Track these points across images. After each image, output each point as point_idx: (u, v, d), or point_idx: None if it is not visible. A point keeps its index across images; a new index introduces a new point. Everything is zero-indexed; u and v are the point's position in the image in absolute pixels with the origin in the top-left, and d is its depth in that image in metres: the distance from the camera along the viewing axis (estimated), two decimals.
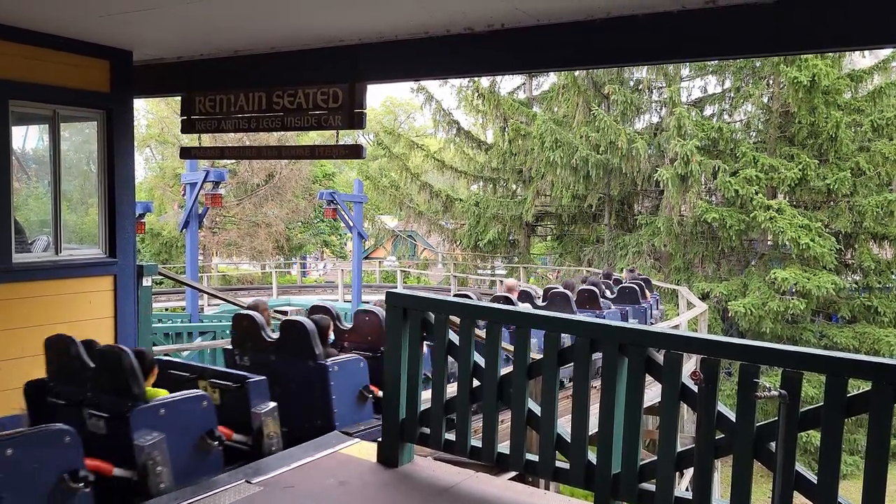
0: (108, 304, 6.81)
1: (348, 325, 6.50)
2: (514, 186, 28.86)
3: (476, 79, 26.39)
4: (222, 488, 3.86)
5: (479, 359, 3.86)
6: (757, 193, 20.74)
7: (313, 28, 5.82)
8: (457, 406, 3.92)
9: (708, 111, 25.07)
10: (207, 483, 3.91)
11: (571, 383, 3.64)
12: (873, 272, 21.31)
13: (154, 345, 10.17)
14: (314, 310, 6.47)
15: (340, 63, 6.15)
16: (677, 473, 3.37)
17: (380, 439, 4.25)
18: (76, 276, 6.60)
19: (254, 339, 5.77)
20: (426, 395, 4.15)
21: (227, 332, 17.15)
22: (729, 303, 21.40)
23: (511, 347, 3.94)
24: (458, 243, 30.26)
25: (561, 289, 10.60)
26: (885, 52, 21.88)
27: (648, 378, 3.34)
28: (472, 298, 7.80)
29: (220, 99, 6.75)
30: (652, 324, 12.92)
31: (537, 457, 3.68)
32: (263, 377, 4.66)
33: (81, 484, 3.42)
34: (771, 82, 22.77)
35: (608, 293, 12.27)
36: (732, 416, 3.08)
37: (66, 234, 6.64)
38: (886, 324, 20.90)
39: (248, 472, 4.08)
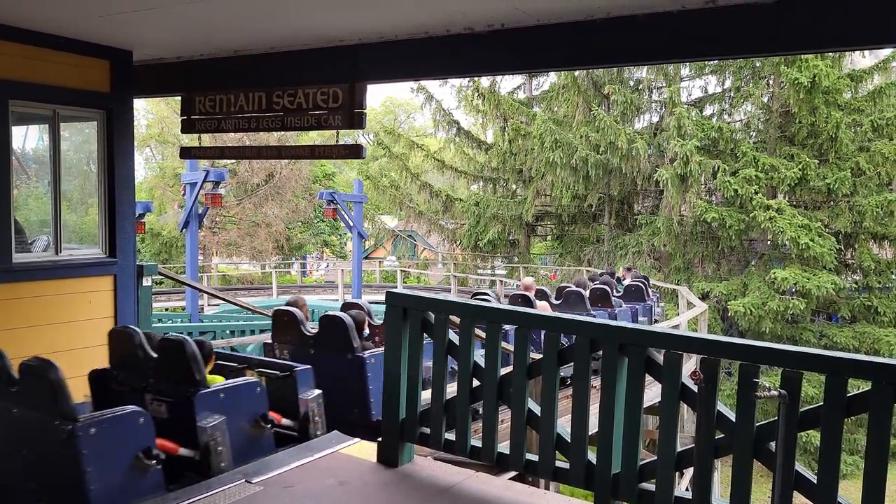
0: (108, 304, 6.81)
1: (380, 321, 6.64)
2: (514, 186, 28.87)
3: (476, 79, 26.40)
4: (222, 488, 3.86)
5: (479, 358, 3.87)
6: (757, 193, 20.75)
7: (313, 28, 5.82)
8: (456, 406, 3.92)
9: (708, 111, 25.09)
10: (207, 483, 3.92)
11: (570, 381, 3.65)
12: (873, 272, 21.31)
13: None
14: (348, 306, 6.69)
15: (340, 63, 6.15)
16: (677, 473, 3.38)
17: (380, 439, 4.25)
18: (76, 276, 6.59)
19: (293, 334, 6.09)
20: (426, 395, 4.16)
21: (228, 332, 17.26)
22: (729, 303, 21.40)
23: (511, 347, 3.95)
24: (458, 243, 30.27)
25: (574, 287, 10.87)
26: (885, 52, 21.88)
27: (648, 378, 3.34)
28: (490, 297, 7.94)
29: (220, 99, 6.75)
30: (657, 321, 13.23)
31: (537, 457, 3.68)
32: (309, 366, 4.95)
33: (154, 461, 3.76)
34: (771, 82, 22.78)
35: (613, 291, 12.45)
36: (732, 416, 3.08)
37: (66, 233, 6.63)
38: (886, 324, 20.90)
39: (249, 471, 4.08)
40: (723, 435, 3.13)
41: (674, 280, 22.34)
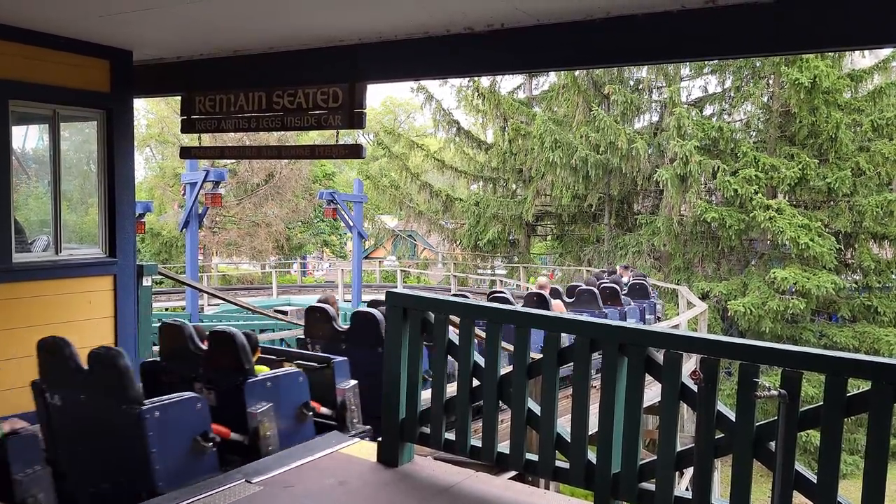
0: (108, 303, 6.80)
1: None
2: (514, 186, 28.87)
3: (476, 79, 26.40)
4: (222, 488, 3.86)
5: (479, 358, 3.87)
6: (756, 193, 20.75)
7: (313, 28, 5.82)
8: (456, 406, 3.93)
9: (708, 111, 25.09)
10: (207, 483, 3.92)
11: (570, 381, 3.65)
12: (873, 272, 21.31)
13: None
14: (376, 303, 6.90)
15: (340, 63, 6.15)
16: (677, 473, 3.38)
17: (380, 439, 4.25)
18: (76, 276, 6.59)
19: (325, 329, 6.42)
20: (426, 394, 4.16)
21: None
22: (729, 302, 21.40)
23: (511, 347, 3.95)
24: (458, 243, 30.27)
25: (585, 286, 11.40)
26: (885, 52, 21.88)
27: (648, 378, 3.34)
28: (507, 295, 8.05)
29: (220, 99, 6.75)
30: (659, 318, 13.75)
31: (537, 456, 3.68)
32: (345, 358, 5.19)
33: (210, 444, 4.02)
34: (771, 82, 22.78)
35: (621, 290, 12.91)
36: (732, 416, 3.08)
37: (66, 233, 6.63)
38: (886, 323, 20.91)
39: (248, 471, 4.09)
40: (723, 435, 3.13)
41: (674, 280, 22.34)
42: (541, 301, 9.17)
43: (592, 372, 3.66)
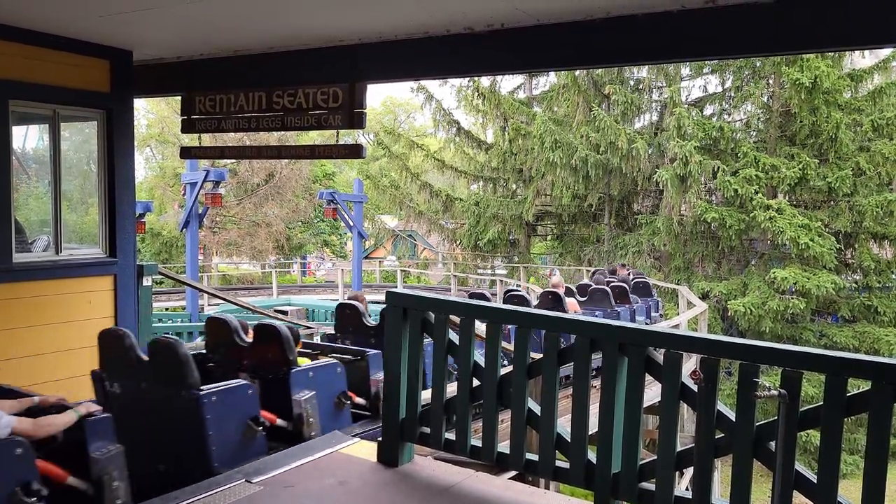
0: (108, 303, 6.81)
1: None
2: (514, 186, 28.87)
3: (476, 79, 26.39)
4: (222, 488, 3.85)
5: (479, 358, 3.86)
6: (757, 193, 20.74)
7: (313, 28, 5.82)
8: (456, 406, 3.92)
9: (708, 111, 25.08)
10: (207, 483, 3.92)
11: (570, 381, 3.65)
12: (873, 272, 21.31)
13: None
14: None
15: (340, 63, 6.15)
16: (677, 473, 3.37)
17: (380, 439, 4.25)
18: (76, 276, 6.59)
19: (355, 325, 6.68)
20: (426, 394, 4.16)
21: None
22: (729, 302, 21.40)
23: (511, 347, 3.95)
24: (458, 243, 30.26)
25: (596, 286, 11.88)
26: (885, 52, 21.88)
27: (648, 377, 3.34)
28: (523, 294, 8.15)
29: (220, 99, 6.75)
30: (659, 316, 14.18)
31: (537, 456, 3.68)
32: (378, 351, 5.42)
33: (260, 428, 4.29)
34: (771, 82, 22.77)
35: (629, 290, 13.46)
36: (732, 416, 3.08)
37: (66, 233, 6.63)
38: (886, 323, 20.91)
39: (249, 471, 4.09)
40: (723, 435, 3.13)
41: (674, 280, 22.34)
42: (556, 300, 9.40)
43: (592, 372, 3.66)
